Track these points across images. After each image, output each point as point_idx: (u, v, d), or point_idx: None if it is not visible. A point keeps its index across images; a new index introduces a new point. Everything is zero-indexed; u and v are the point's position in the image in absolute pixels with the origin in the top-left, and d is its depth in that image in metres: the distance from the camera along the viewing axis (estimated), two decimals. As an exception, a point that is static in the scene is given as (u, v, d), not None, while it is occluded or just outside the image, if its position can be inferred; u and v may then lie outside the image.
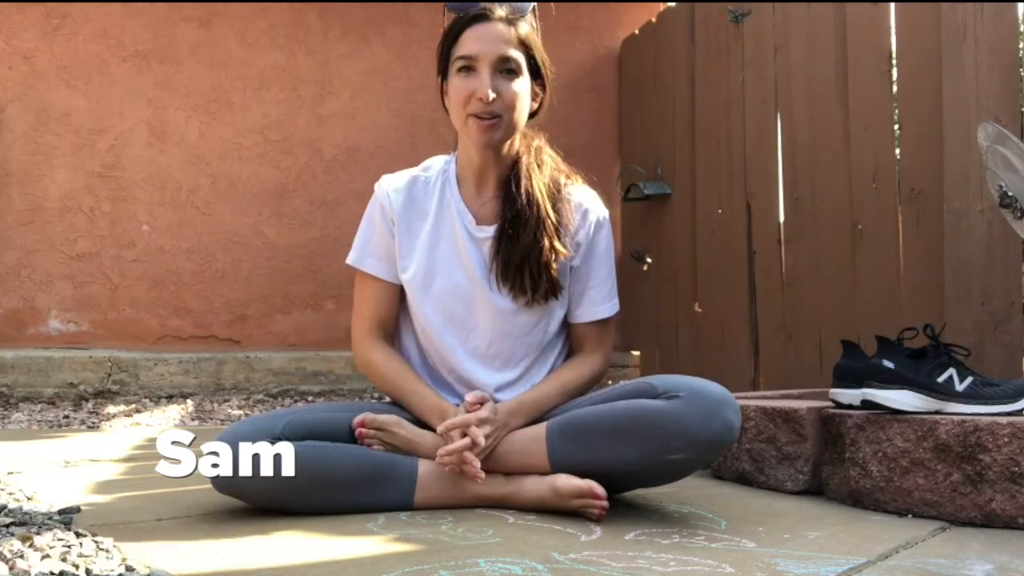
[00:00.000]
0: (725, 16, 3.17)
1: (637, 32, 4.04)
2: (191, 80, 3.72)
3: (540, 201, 1.53)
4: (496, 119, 1.48)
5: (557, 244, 1.52)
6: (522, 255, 1.51)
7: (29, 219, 3.49)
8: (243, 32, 3.79)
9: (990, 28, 2.11)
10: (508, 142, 1.54)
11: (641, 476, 1.45)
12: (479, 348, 1.57)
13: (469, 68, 1.48)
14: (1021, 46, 2.43)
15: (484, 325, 1.56)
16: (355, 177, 3.87)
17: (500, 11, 1.49)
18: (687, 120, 3.47)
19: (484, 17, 1.48)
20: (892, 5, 2.42)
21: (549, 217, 1.53)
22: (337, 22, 3.92)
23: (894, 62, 2.45)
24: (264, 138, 3.79)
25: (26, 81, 3.51)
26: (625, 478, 1.45)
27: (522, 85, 1.50)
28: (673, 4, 3.81)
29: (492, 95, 1.46)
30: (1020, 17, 2.27)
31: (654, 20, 3.84)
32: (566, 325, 1.65)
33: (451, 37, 1.51)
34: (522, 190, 1.53)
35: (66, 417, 2.97)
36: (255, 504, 1.44)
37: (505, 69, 1.48)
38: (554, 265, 1.53)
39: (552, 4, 1.72)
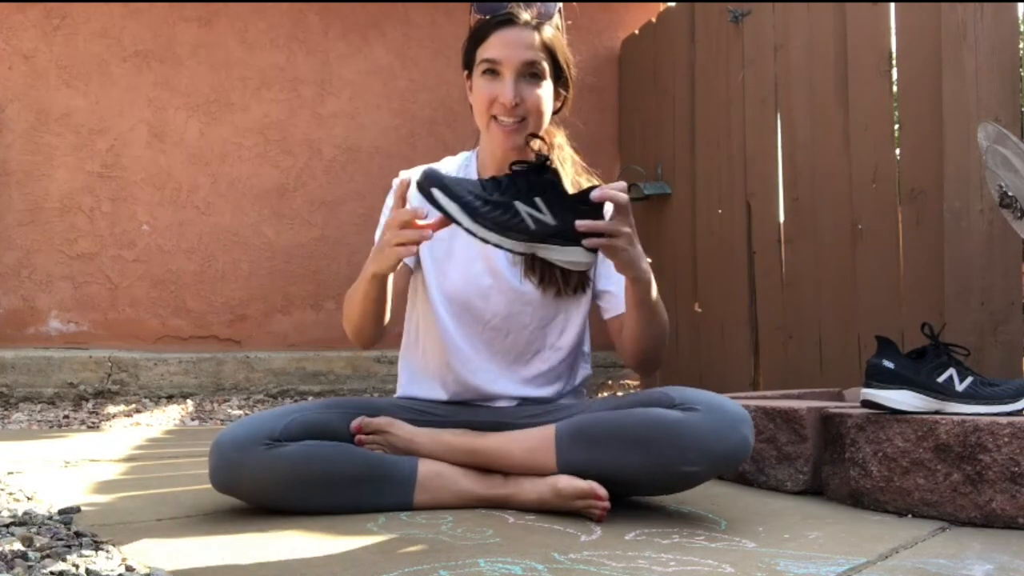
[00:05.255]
0: (725, 16, 3.17)
1: (637, 32, 4.04)
2: (191, 80, 3.72)
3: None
4: (519, 123, 1.49)
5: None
6: None
7: (29, 219, 3.49)
8: (243, 32, 3.79)
9: (990, 28, 2.11)
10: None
11: (648, 484, 1.43)
12: (494, 340, 1.56)
13: (493, 72, 1.49)
14: (1021, 46, 2.43)
15: (502, 316, 1.55)
16: (355, 177, 3.88)
17: (526, 15, 1.48)
18: (687, 120, 3.47)
19: (510, 22, 1.48)
20: (892, 5, 2.42)
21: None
22: (337, 22, 3.92)
23: (894, 62, 2.45)
24: (264, 138, 3.80)
25: (26, 81, 3.51)
26: (631, 485, 1.43)
27: (545, 90, 1.51)
28: (673, 4, 3.80)
29: (515, 101, 1.47)
30: (1020, 17, 2.27)
31: (654, 20, 3.84)
32: (579, 345, 1.62)
33: (477, 38, 1.52)
34: None
35: (66, 417, 2.97)
36: (254, 504, 1.44)
37: (529, 74, 1.49)
38: None
39: (576, 4, 1.68)
